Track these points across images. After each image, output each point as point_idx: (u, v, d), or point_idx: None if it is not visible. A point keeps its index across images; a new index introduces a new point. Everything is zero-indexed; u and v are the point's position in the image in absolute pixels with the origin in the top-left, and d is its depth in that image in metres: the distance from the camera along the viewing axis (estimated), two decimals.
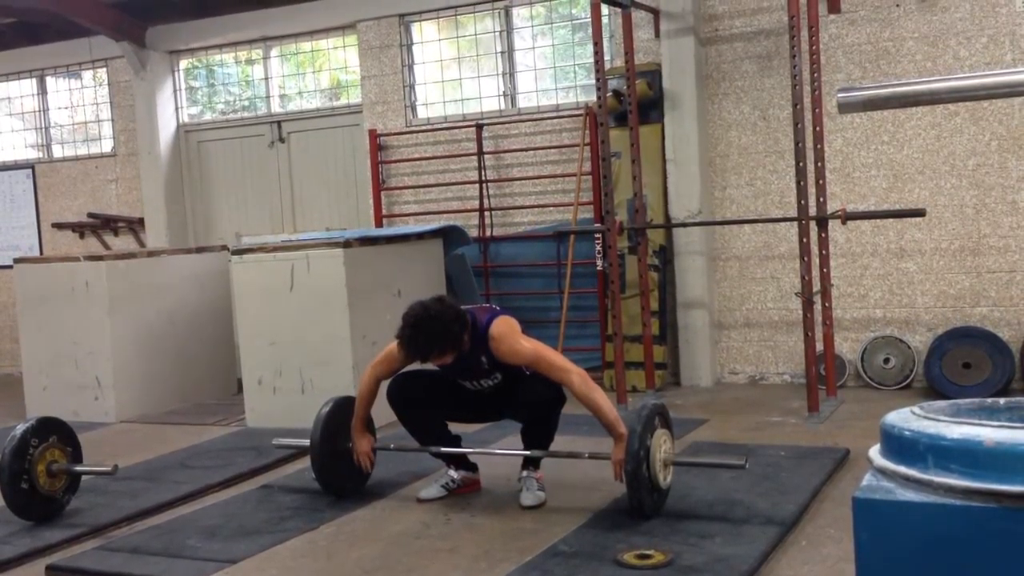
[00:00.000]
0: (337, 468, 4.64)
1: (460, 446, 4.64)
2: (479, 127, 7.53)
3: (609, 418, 4.11)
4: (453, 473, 4.59)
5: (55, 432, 4.53)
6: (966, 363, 6.09)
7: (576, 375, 4.17)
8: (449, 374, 4.43)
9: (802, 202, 5.65)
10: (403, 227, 7.48)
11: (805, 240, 5.67)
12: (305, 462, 5.38)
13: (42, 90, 9.61)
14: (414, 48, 8.00)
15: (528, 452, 4.43)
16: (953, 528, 1.81)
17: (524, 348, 4.22)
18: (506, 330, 4.24)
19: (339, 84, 8.60)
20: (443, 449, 4.57)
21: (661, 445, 4.07)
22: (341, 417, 4.66)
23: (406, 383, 4.52)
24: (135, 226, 9.09)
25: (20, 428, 4.43)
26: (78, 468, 4.59)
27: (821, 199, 5.89)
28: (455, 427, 4.70)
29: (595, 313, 7.19)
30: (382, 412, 4.73)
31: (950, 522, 1.81)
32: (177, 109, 9.03)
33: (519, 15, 7.73)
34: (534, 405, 4.34)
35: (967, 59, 6.20)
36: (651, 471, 4.00)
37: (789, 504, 4.08)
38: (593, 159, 7.06)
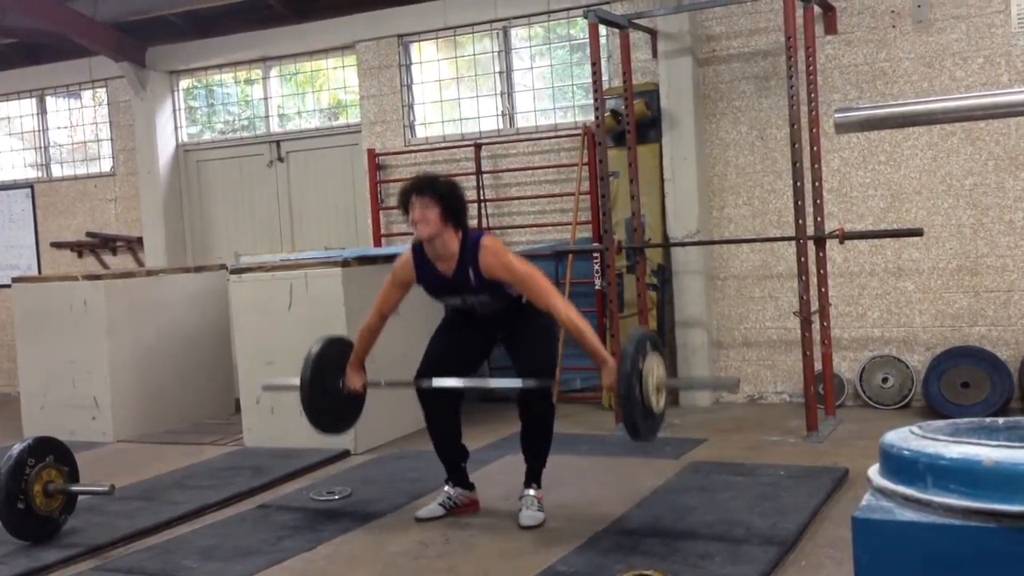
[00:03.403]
0: (327, 407, 4.59)
1: (466, 462, 4.63)
2: (477, 146, 7.56)
3: (594, 344, 4.14)
4: (450, 490, 4.58)
5: (52, 452, 4.51)
6: (964, 383, 6.08)
7: (561, 300, 4.22)
8: (437, 290, 4.38)
9: (800, 222, 5.66)
10: (402, 246, 7.48)
11: (803, 259, 5.68)
12: (304, 481, 5.38)
13: (42, 110, 9.64)
14: (413, 68, 8.04)
15: (525, 382, 4.32)
16: (952, 548, 1.80)
17: (515, 263, 4.23)
18: (498, 245, 4.28)
19: (338, 104, 8.63)
20: (436, 383, 4.40)
21: (654, 369, 4.01)
22: (331, 356, 4.60)
23: (432, 399, 4.49)
24: (133, 245, 9.10)
25: (17, 448, 4.41)
26: (75, 488, 4.56)
27: (819, 219, 5.91)
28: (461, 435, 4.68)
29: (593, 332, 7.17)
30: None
31: (949, 542, 1.80)
32: (176, 129, 9.06)
33: (517, 35, 7.77)
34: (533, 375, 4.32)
35: (963, 79, 6.24)
36: (644, 394, 3.93)
37: (788, 524, 4.07)
38: (591, 178, 7.08)
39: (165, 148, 8.94)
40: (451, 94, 7.95)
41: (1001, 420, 2.12)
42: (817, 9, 6.29)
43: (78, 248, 9.28)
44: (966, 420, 2.14)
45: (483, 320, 4.45)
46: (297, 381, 4.54)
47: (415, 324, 6.35)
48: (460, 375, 4.47)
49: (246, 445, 6.33)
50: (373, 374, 6.16)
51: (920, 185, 6.40)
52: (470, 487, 4.64)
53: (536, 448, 4.46)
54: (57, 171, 9.66)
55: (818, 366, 5.93)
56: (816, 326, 5.85)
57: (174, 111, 9.03)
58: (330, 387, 4.59)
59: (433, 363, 4.50)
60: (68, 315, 6.88)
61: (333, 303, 6.01)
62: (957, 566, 1.80)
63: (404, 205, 4.28)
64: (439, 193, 4.22)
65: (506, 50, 7.75)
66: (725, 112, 6.87)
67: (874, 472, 2.02)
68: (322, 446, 5.92)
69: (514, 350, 4.49)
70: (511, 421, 4.76)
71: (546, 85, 7.72)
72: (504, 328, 4.46)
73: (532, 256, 7.42)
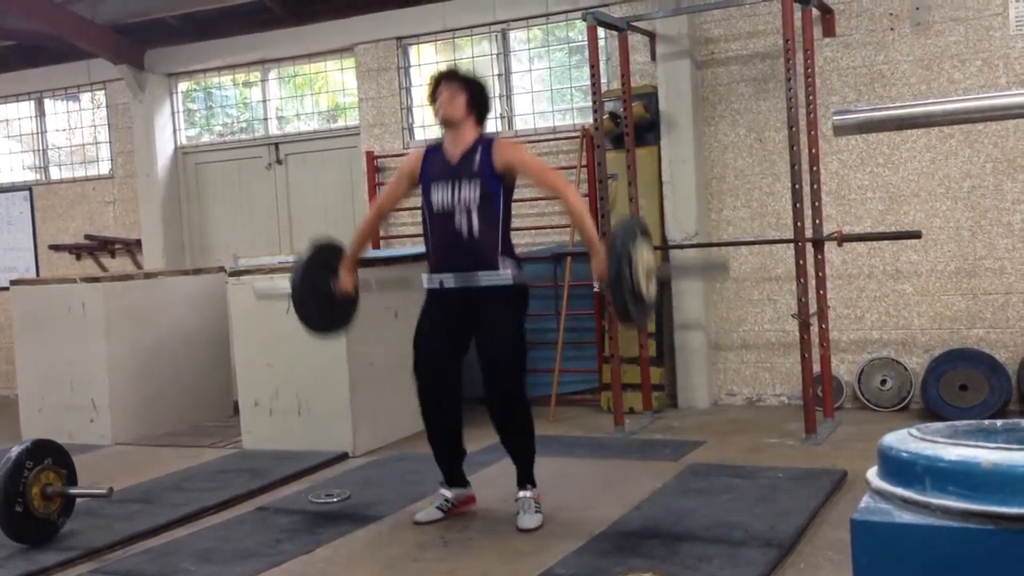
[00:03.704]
0: (319, 309, 4.60)
1: (462, 461, 4.62)
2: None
3: (591, 232, 4.27)
4: (447, 493, 4.58)
5: (50, 454, 4.51)
6: (963, 385, 6.09)
7: (572, 189, 4.48)
8: (434, 176, 4.35)
9: (798, 224, 5.67)
10: (400, 249, 7.49)
11: (801, 262, 5.68)
12: (302, 484, 5.37)
13: (40, 112, 9.64)
14: (412, 70, 8.04)
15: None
16: (951, 550, 1.80)
17: (528, 156, 4.43)
18: (514, 143, 4.48)
19: (337, 106, 8.63)
20: (436, 281, 4.39)
21: (644, 254, 4.04)
22: (321, 258, 4.62)
23: (434, 403, 4.48)
24: (132, 248, 9.09)
25: (15, 450, 4.41)
26: (73, 491, 4.56)
27: (817, 221, 5.91)
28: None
29: (592, 335, 7.19)
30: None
31: (948, 544, 1.80)
32: (175, 131, 9.06)
33: (516, 38, 7.77)
34: (496, 367, 4.29)
35: (961, 82, 6.24)
36: (634, 277, 3.94)
37: (787, 526, 4.07)
38: (590, 181, 7.08)
39: (164, 150, 8.94)
40: None
41: (999, 422, 2.12)
42: (815, 12, 6.29)
43: (76, 251, 9.27)
44: (964, 422, 2.14)
45: (457, 301, 4.34)
46: (288, 288, 4.55)
47: (410, 324, 6.35)
48: (451, 350, 4.43)
49: (244, 447, 6.33)
50: (368, 374, 6.17)
51: (918, 187, 6.41)
52: (466, 484, 4.64)
53: (516, 449, 4.44)
54: (55, 173, 9.65)
55: (817, 368, 5.93)
56: (815, 328, 5.86)
57: (173, 113, 9.03)
58: (322, 290, 4.57)
59: (424, 338, 4.46)
60: (66, 317, 6.88)
61: None
62: (956, 568, 1.80)
63: (433, 90, 4.43)
64: (470, 85, 4.38)
65: (505, 52, 7.75)
66: (724, 114, 6.87)
67: (873, 474, 2.02)
68: (321, 448, 5.92)
69: (481, 345, 4.37)
70: None
71: (545, 87, 7.72)
72: (478, 315, 4.33)
73: (531, 259, 7.44)
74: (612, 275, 3.91)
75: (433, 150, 4.46)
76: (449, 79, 4.40)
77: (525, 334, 4.42)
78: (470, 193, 4.27)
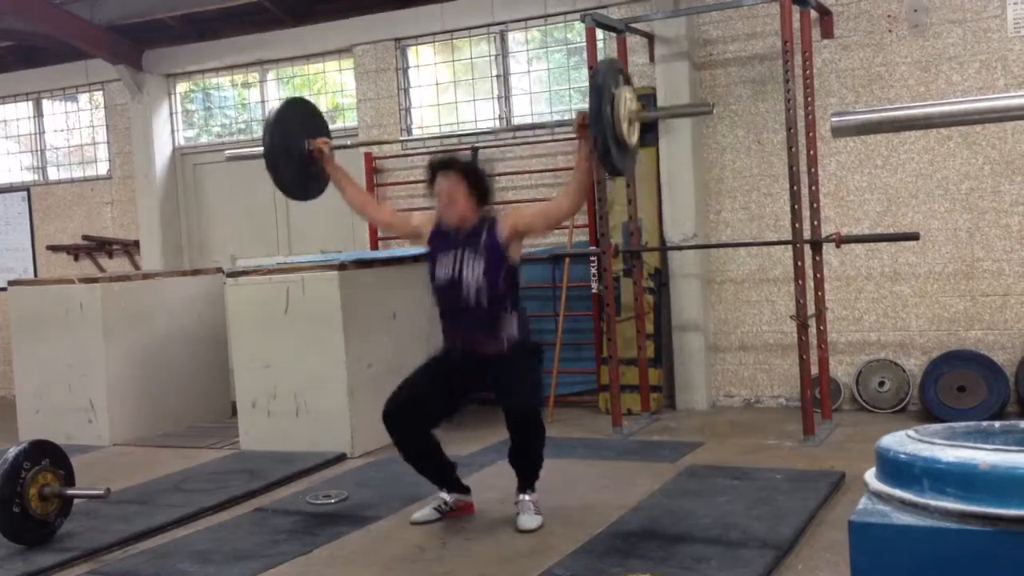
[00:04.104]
0: (290, 167, 4.65)
1: (455, 472, 4.61)
2: (474, 150, 7.55)
3: (583, 177, 4.21)
4: (446, 496, 4.57)
5: (48, 455, 4.50)
6: (961, 386, 6.09)
7: (566, 199, 4.30)
8: (441, 247, 4.37)
9: (797, 225, 5.67)
10: (398, 249, 7.49)
11: (800, 263, 5.68)
12: (300, 485, 5.37)
13: (38, 113, 9.63)
14: (410, 72, 8.04)
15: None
16: (949, 552, 1.80)
17: (523, 209, 4.50)
18: (510, 213, 4.45)
19: (335, 107, 8.63)
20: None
21: (625, 98, 4.02)
22: (292, 117, 4.66)
23: (399, 421, 4.42)
24: (130, 249, 9.09)
25: (12, 451, 4.40)
26: (71, 492, 4.55)
27: (816, 223, 5.92)
28: (449, 452, 4.67)
29: (590, 336, 7.19)
30: (377, 432, 4.71)
31: (946, 546, 1.80)
32: (173, 132, 9.05)
33: (514, 39, 7.77)
34: (517, 411, 4.27)
35: (960, 84, 6.25)
36: (616, 119, 3.93)
37: (785, 528, 4.07)
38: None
39: (162, 151, 8.94)
40: (448, 97, 7.95)
41: (997, 424, 2.12)
42: (814, 13, 6.30)
43: (74, 251, 9.26)
44: (962, 424, 2.14)
45: (469, 363, 4.38)
46: (261, 149, 4.61)
47: (408, 325, 6.37)
48: (434, 408, 4.42)
49: (242, 448, 6.32)
50: (366, 375, 6.17)
51: (916, 189, 6.41)
52: (465, 491, 4.64)
53: (526, 467, 4.43)
54: (53, 174, 9.64)
55: (815, 370, 5.93)
56: (813, 330, 5.86)
57: (171, 114, 9.03)
58: (294, 150, 4.62)
59: (409, 388, 4.44)
60: (64, 318, 6.88)
61: (330, 306, 6.00)
62: (954, 570, 1.80)
63: (431, 179, 4.38)
64: (467, 176, 4.32)
65: (503, 54, 7.75)
66: (722, 116, 6.87)
67: (871, 476, 2.03)
68: (319, 450, 5.92)
69: (499, 387, 4.41)
70: None
71: (543, 89, 7.72)
72: (487, 373, 4.38)
73: (529, 260, 7.43)
74: (593, 113, 3.89)
75: (441, 224, 4.44)
76: (446, 170, 4.33)
77: (540, 377, 4.46)
78: (477, 269, 4.30)
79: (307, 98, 4.76)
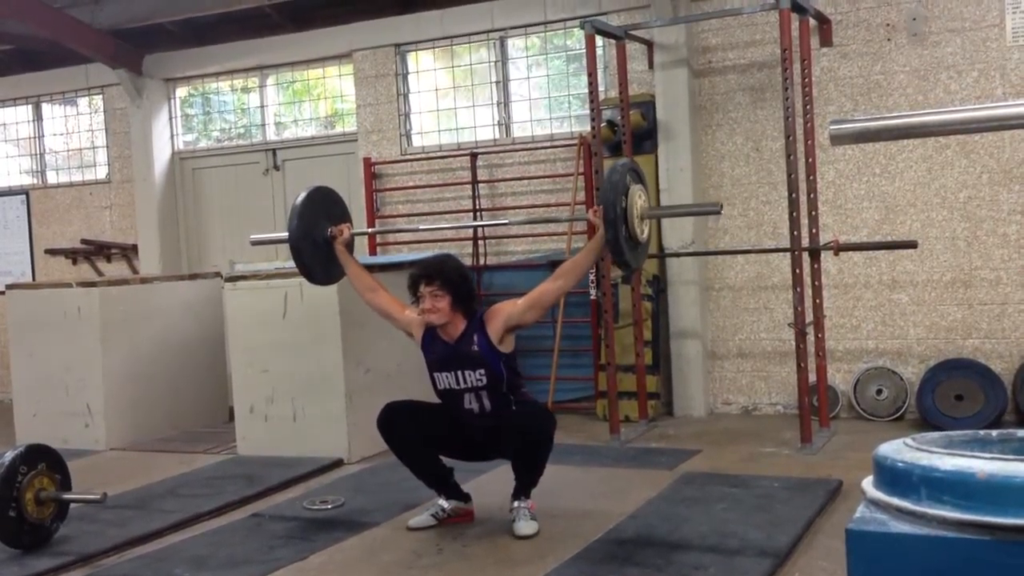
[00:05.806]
0: (313, 253, 4.76)
1: (452, 479, 4.60)
2: (473, 156, 7.56)
3: (589, 256, 4.28)
4: (443, 503, 4.57)
5: (44, 459, 4.50)
6: (958, 395, 6.09)
7: (561, 281, 4.30)
8: (437, 360, 4.39)
9: (795, 233, 5.67)
10: (397, 255, 7.48)
11: (798, 271, 5.68)
12: (297, 490, 5.36)
13: (38, 116, 9.63)
14: (410, 77, 8.05)
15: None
16: (946, 560, 1.80)
17: (508, 306, 4.35)
18: (494, 309, 4.37)
19: (335, 112, 8.64)
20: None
21: (637, 200, 4.10)
22: (316, 206, 4.77)
23: (398, 417, 4.47)
24: (128, 253, 9.09)
25: (9, 455, 4.40)
26: (67, 496, 4.55)
27: (814, 230, 5.92)
28: (447, 460, 4.67)
29: (588, 343, 7.19)
30: (374, 438, 4.70)
31: (943, 554, 1.80)
32: (172, 136, 9.05)
33: (514, 45, 7.78)
34: (526, 429, 4.31)
35: (958, 92, 6.26)
36: (629, 224, 4.04)
37: (782, 536, 4.07)
38: (587, 189, 7.08)
39: (161, 156, 8.94)
40: (448, 103, 7.96)
41: (995, 432, 2.12)
42: (813, 22, 6.31)
43: (73, 255, 9.26)
44: (960, 432, 2.14)
45: (475, 429, 4.43)
46: (285, 234, 4.73)
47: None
48: (436, 436, 4.47)
49: (239, 454, 6.31)
50: (364, 380, 6.16)
51: (914, 197, 6.42)
52: (464, 498, 4.63)
53: (527, 475, 4.43)
54: (52, 178, 9.64)
55: (812, 378, 5.93)
56: (811, 338, 5.86)
57: (170, 119, 9.03)
58: (318, 237, 4.75)
59: (414, 403, 4.53)
60: (62, 322, 6.87)
61: (328, 311, 6.00)
62: None
63: (414, 287, 4.34)
64: (450, 286, 4.27)
65: (503, 60, 7.76)
66: (721, 123, 6.88)
67: (868, 484, 2.02)
68: (316, 455, 5.91)
69: (510, 425, 4.40)
70: None
71: (542, 95, 7.73)
72: (495, 437, 4.41)
73: (527, 265, 7.45)
74: (608, 214, 3.98)
75: (430, 328, 4.43)
76: (429, 280, 4.29)
77: (552, 415, 4.49)
78: (474, 377, 4.33)
79: (331, 188, 4.92)
